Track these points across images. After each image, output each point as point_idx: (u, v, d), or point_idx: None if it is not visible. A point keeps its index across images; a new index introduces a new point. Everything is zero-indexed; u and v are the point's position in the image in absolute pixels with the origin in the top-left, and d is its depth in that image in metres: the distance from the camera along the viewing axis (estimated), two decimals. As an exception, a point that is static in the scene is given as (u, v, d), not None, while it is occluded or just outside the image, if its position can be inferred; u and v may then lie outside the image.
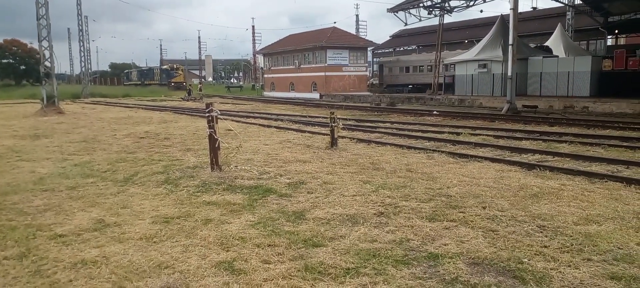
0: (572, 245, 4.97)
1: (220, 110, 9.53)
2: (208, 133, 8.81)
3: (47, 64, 27.85)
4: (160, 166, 9.78)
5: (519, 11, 24.44)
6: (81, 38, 52.65)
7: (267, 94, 53.33)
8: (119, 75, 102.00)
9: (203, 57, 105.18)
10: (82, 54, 53.82)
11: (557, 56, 29.84)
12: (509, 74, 22.67)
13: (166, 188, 7.88)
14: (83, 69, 54.85)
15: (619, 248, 4.86)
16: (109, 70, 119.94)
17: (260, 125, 18.47)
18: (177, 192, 7.60)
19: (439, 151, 11.16)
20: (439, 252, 4.83)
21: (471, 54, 31.88)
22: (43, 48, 27.55)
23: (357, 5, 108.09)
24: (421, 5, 32.99)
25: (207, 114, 8.80)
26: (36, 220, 6.22)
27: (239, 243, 5.17)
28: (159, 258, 4.78)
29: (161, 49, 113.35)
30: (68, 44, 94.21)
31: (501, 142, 12.75)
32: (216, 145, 8.78)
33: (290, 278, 4.28)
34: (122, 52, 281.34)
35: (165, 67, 75.19)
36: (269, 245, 5.08)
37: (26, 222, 6.11)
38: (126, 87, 76.26)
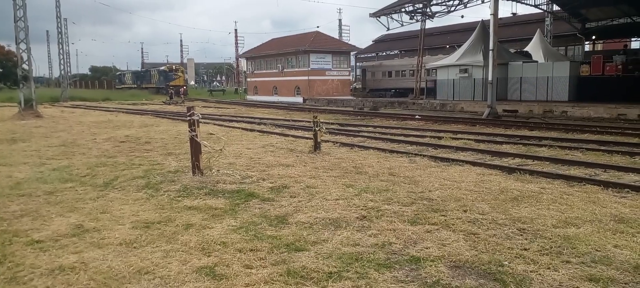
0: (551, 247, 5.03)
1: (202, 114, 9.46)
2: (189, 137, 8.74)
3: (25, 66, 27.30)
4: (140, 170, 9.65)
5: (499, 17, 24.80)
6: (60, 40, 51.90)
7: (250, 97, 53.15)
8: (99, 78, 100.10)
9: (185, 61, 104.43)
10: (62, 57, 52.98)
11: (536, 61, 30.36)
12: (490, 78, 22.98)
13: (147, 193, 7.78)
14: (62, 72, 53.96)
15: (596, 250, 4.94)
16: (89, 73, 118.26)
17: (243, 129, 18.37)
18: (158, 196, 7.50)
19: (421, 155, 11.24)
20: (420, 256, 4.85)
21: (452, 58, 32.24)
22: (21, 50, 27.00)
23: (340, 9, 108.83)
24: (403, 10, 33.30)
25: (188, 118, 8.72)
26: (12, 225, 6.08)
27: (220, 248, 5.13)
28: (139, 263, 4.71)
29: (142, 52, 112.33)
30: (47, 47, 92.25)
31: (482, 146, 12.90)
32: (198, 149, 8.70)
33: (273, 283, 4.26)
34: (103, 55, 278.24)
35: (162, 68, 66.36)
36: (251, 250, 5.05)
37: (2, 228, 5.97)
38: (106, 90, 74.42)
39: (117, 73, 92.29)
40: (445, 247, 5.09)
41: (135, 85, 71.40)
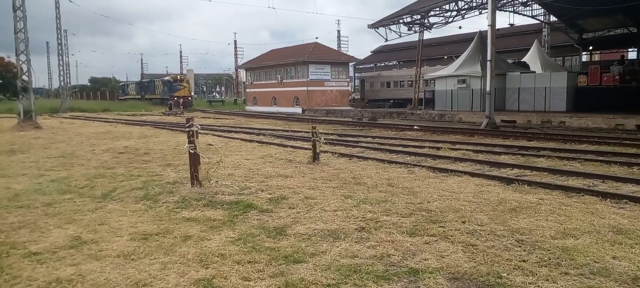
0: (549, 259, 5.03)
1: (201, 125, 9.48)
2: (188, 148, 8.74)
3: (25, 77, 27.36)
4: (139, 182, 9.65)
5: (497, 28, 24.93)
6: (60, 52, 51.96)
7: (249, 108, 53.25)
8: (99, 89, 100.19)
9: (185, 72, 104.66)
10: (61, 68, 53.04)
11: (534, 72, 30.47)
12: (488, 89, 23.04)
13: (145, 204, 7.77)
14: (62, 83, 54.02)
15: (595, 261, 4.94)
16: (88, 84, 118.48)
17: (241, 139, 18.39)
18: (156, 208, 7.49)
19: (419, 166, 11.24)
20: (419, 267, 4.84)
21: (450, 69, 32.35)
22: (20, 62, 27.08)
23: (338, 21, 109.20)
24: (401, 21, 33.50)
25: (187, 129, 8.74)
26: (10, 237, 6.06)
27: (218, 260, 5.12)
28: (137, 276, 4.69)
29: (142, 63, 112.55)
30: (47, 58, 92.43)
31: (480, 157, 12.91)
32: (196, 160, 8.71)
33: (271, 295, 4.24)
34: (102, 66, 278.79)
35: (167, 78, 63.37)
36: (249, 262, 5.04)
37: (-1, 240, 5.96)
38: (106, 101, 74.09)
39: (120, 84, 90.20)
40: (443, 258, 5.08)
41: (139, 96, 69.30)
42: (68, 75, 56.90)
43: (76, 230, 6.33)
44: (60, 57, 52.44)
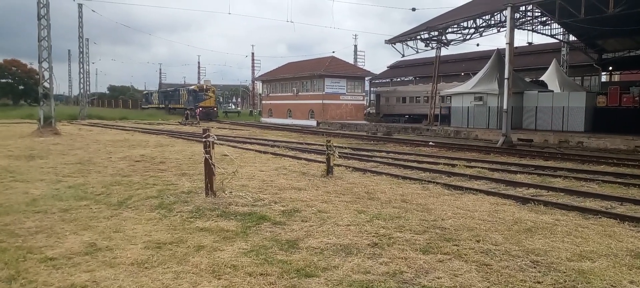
0: (565, 281, 4.95)
1: (217, 135, 9.56)
2: (204, 158, 8.82)
3: (46, 84, 27.92)
4: (154, 190, 9.74)
5: (515, 46, 24.80)
6: (81, 60, 53.02)
7: (265, 120, 53.54)
8: (117, 98, 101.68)
9: (202, 82, 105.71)
10: (82, 76, 54.08)
11: (552, 91, 30.18)
12: (505, 107, 22.87)
13: (160, 213, 7.84)
14: (82, 90, 54.99)
15: (612, 285, 4.85)
16: (107, 92, 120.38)
17: (256, 151, 18.48)
18: (171, 217, 7.56)
19: (434, 182, 11.17)
20: (432, 286, 4.80)
21: (467, 86, 32.21)
22: (43, 69, 27.66)
23: (355, 35, 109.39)
24: (418, 37, 33.47)
25: (203, 139, 8.82)
26: (27, 242, 6.16)
27: (230, 271, 5.13)
28: (150, 284, 4.73)
29: (160, 73, 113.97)
30: (68, 65, 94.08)
31: (496, 175, 12.79)
32: (211, 171, 8.77)
33: (282, 309, 4.24)
34: (121, 74, 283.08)
35: (192, 87, 60.73)
36: (261, 274, 5.04)
37: (17, 244, 6.05)
38: (123, 110, 75.04)
39: (144, 92, 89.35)
40: (457, 277, 5.03)
41: (163, 105, 67.55)
42: (88, 83, 57.93)
43: (92, 236, 6.41)
44: (81, 65, 53.54)
